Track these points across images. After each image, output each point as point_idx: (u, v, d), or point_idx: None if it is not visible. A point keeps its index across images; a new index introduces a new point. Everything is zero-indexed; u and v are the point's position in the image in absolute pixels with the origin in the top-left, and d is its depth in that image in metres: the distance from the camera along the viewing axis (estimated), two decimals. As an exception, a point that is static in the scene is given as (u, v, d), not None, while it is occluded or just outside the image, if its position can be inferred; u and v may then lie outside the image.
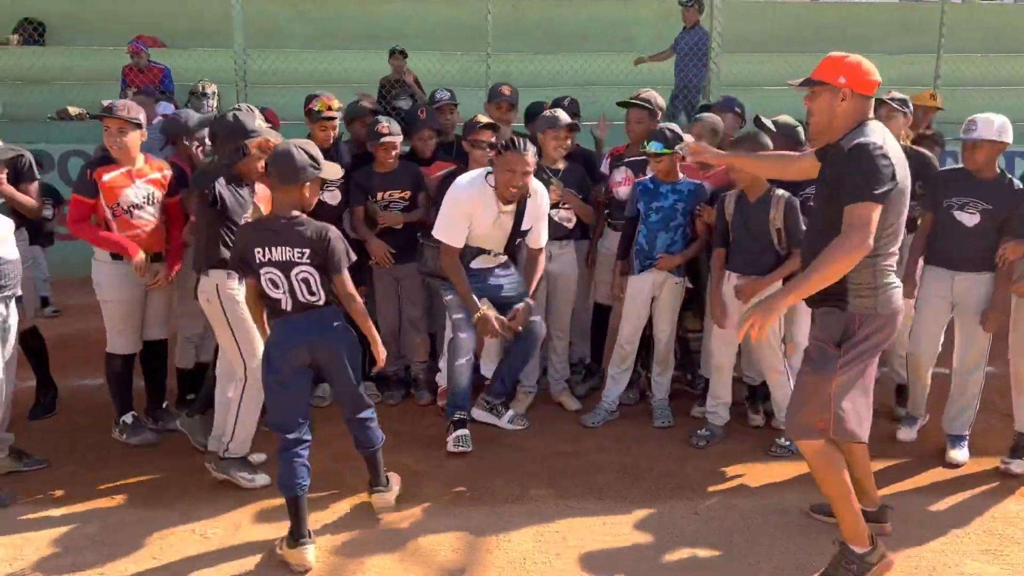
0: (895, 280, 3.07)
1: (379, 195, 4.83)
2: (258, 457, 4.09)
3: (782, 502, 3.88)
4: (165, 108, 8.17)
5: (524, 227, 4.41)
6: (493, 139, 4.73)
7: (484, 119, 4.87)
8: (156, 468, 4.16)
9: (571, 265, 4.94)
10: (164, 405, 4.64)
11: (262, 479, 3.94)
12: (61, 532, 3.55)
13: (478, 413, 4.62)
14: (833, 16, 12.12)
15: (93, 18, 10.95)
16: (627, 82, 9.35)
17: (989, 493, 4.00)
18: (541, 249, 4.53)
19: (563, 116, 4.77)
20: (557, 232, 4.72)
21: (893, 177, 2.90)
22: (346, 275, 3.42)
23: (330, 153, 4.76)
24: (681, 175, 4.60)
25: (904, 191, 2.99)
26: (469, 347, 4.38)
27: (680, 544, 3.54)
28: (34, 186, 4.58)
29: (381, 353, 3.58)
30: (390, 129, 4.80)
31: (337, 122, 4.88)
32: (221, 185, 3.76)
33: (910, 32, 10.86)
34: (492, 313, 4.24)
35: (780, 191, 4.17)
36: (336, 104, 4.85)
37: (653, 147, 4.49)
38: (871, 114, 3.03)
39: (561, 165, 4.85)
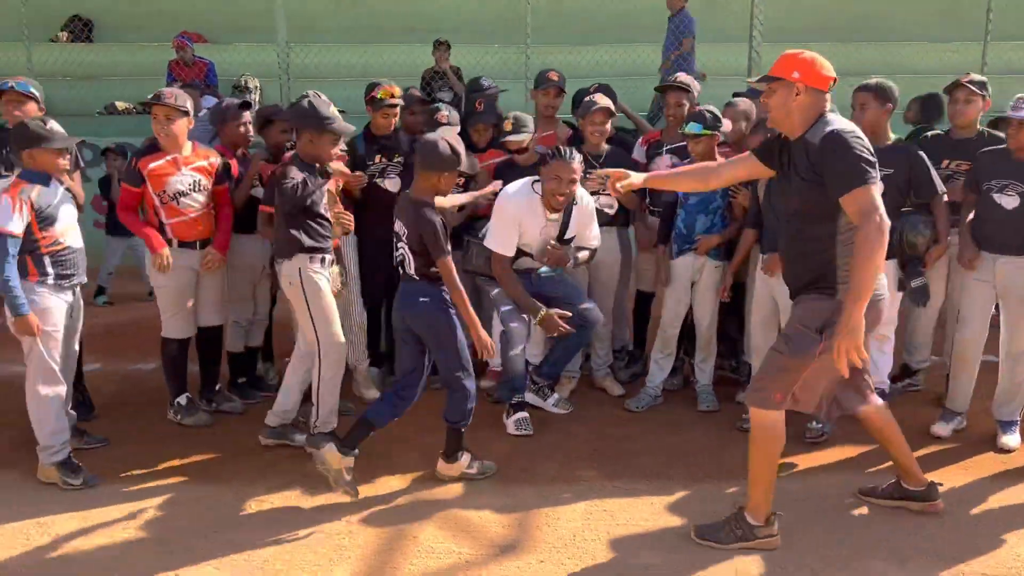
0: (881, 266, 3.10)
1: None
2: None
3: (824, 485, 3.88)
4: (209, 102, 8.33)
5: (568, 235, 4.48)
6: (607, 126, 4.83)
7: (601, 101, 4.79)
8: (211, 448, 4.26)
9: (613, 251, 4.96)
10: (218, 388, 4.74)
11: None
12: (125, 508, 3.65)
13: (526, 395, 4.67)
14: (877, 4, 11.95)
15: (139, 15, 11.19)
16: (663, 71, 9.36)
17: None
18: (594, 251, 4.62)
19: (601, 100, 4.78)
20: (599, 219, 4.73)
21: (873, 158, 2.98)
22: (446, 262, 3.64)
23: (391, 140, 4.89)
24: (719, 157, 4.60)
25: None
26: (521, 336, 4.44)
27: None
28: (77, 174, 4.67)
29: (484, 340, 3.73)
30: (449, 118, 4.85)
31: (398, 109, 4.91)
32: (300, 175, 3.90)
33: (956, 19, 10.68)
34: (555, 312, 4.28)
35: None
36: (398, 92, 4.87)
37: (692, 128, 4.50)
38: (827, 107, 3.10)
39: (604, 148, 4.87)
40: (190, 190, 4.29)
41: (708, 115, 4.51)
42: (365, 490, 3.80)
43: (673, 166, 4.73)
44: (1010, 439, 4.26)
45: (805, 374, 3.17)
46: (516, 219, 4.34)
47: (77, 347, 4.13)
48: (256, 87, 10.00)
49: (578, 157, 4.29)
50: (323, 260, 4.05)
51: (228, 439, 4.36)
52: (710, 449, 4.28)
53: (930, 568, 3.20)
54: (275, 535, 3.44)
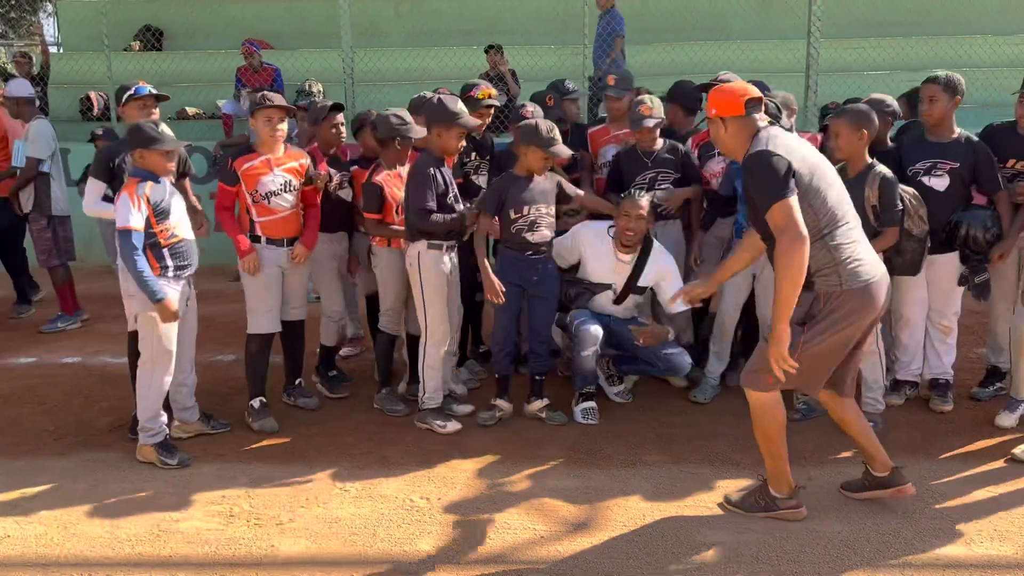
0: (859, 254, 3.24)
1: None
2: (463, 408, 4.67)
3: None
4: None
5: (642, 282, 4.71)
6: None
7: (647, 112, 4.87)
8: (294, 434, 4.49)
9: (675, 244, 4.97)
10: (298, 382, 4.91)
11: (453, 426, 4.47)
12: (217, 486, 3.89)
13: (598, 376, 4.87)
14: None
15: (207, 24, 11.59)
16: (722, 69, 9.40)
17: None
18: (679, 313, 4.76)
19: (650, 105, 4.84)
20: (656, 214, 4.85)
21: (789, 169, 3.10)
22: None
23: (484, 139, 5.15)
24: None
25: (812, 172, 3.16)
26: (593, 339, 4.57)
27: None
28: (187, 181, 4.88)
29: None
30: (534, 113, 4.82)
31: (493, 109, 5.09)
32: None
33: (1018, 12, 10.53)
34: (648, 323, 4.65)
35: (879, 168, 4.11)
36: (494, 92, 5.02)
37: None
38: (758, 125, 3.25)
39: (658, 145, 4.94)
40: (281, 190, 4.48)
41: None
42: (441, 471, 3.99)
43: (727, 167, 4.78)
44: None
45: (803, 362, 3.26)
46: (579, 240, 4.76)
47: (194, 335, 4.36)
48: (319, 91, 10.27)
49: (647, 196, 4.59)
50: (443, 247, 4.38)
51: (311, 427, 4.59)
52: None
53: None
54: (360, 511, 3.64)
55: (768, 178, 3.11)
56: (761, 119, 3.28)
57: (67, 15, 12.52)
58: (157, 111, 4.53)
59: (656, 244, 4.72)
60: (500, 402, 4.67)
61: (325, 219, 4.76)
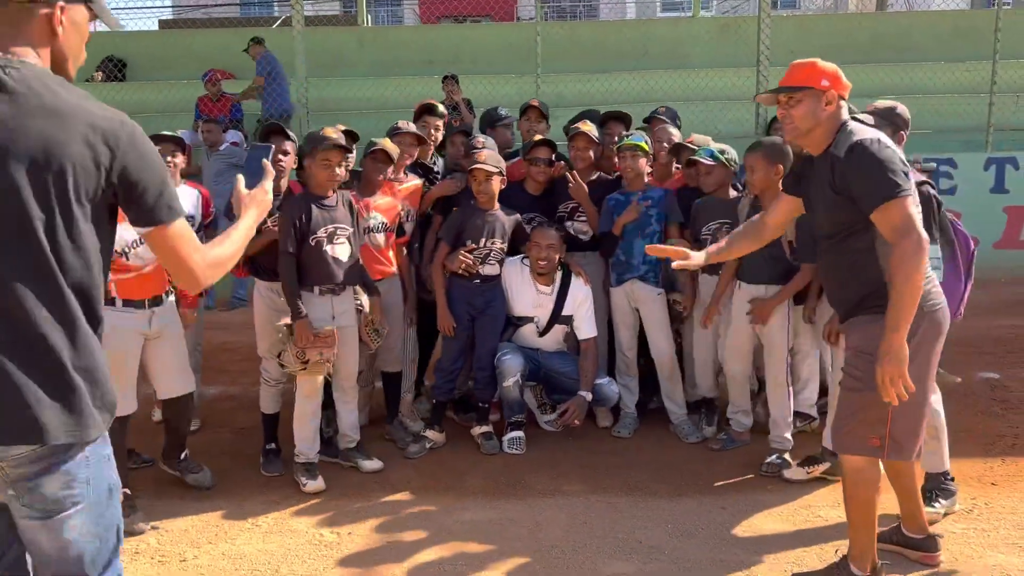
0: (932, 274, 2.98)
1: None
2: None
3: (808, 499, 3.96)
4: (233, 136, 8.69)
5: (566, 311, 4.72)
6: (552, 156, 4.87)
7: (583, 127, 4.86)
8: (211, 467, 4.43)
9: (593, 278, 4.86)
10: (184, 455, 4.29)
11: (314, 485, 4.13)
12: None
13: (528, 397, 4.89)
14: (889, 27, 12.06)
15: (170, 55, 11.65)
16: (682, 98, 9.53)
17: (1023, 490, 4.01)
18: (589, 340, 4.73)
19: (583, 126, 4.83)
20: (575, 245, 4.88)
21: (903, 163, 2.84)
22: None
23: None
24: (647, 180, 4.71)
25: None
26: (513, 370, 4.57)
27: (704, 535, 3.66)
28: None
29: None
30: (485, 143, 4.79)
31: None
32: None
33: (967, 39, 10.71)
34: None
35: None
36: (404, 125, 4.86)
37: (634, 139, 4.59)
38: (846, 116, 2.97)
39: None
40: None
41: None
42: (357, 505, 3.98)
43: (604, 204, 4.73)
44: None
45: (900, 420, 2.90)
46: (501, 275, 4.75)
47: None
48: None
49: (555, 228, 4.67)
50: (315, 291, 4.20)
51: (233, 457, 4.58)
52: (697, 465, 4.38)
53: None
54: (267, 546, 3.63)
55: (880, 171, 2.75)
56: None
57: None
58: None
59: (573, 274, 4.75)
60: (431, 433, 4.67)
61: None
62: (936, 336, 2.95)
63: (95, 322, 1.80)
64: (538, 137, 4.98)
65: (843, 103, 2.97)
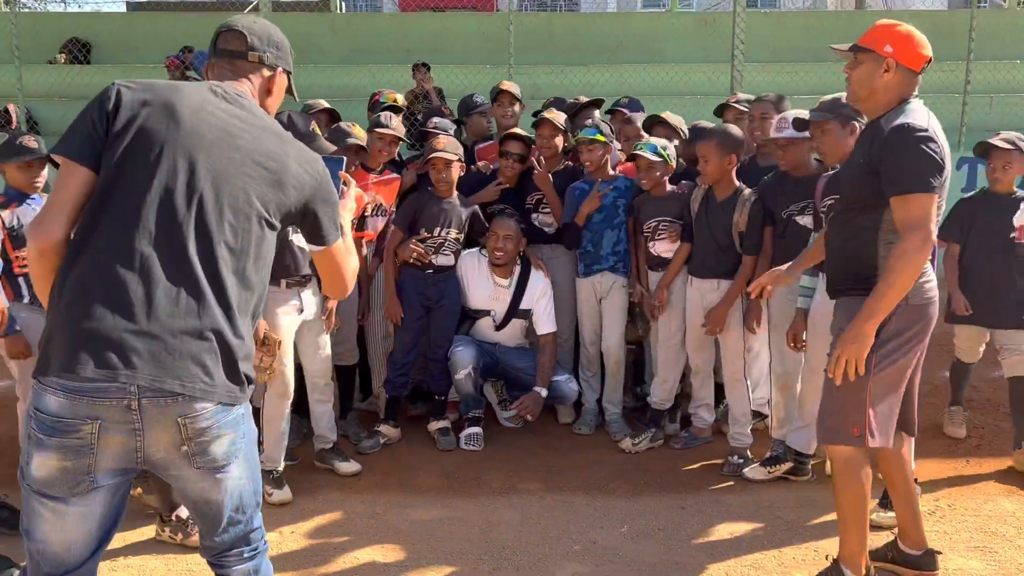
0: (928, 268, 2.83)
1: None
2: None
3: (768, 500, 3.85)
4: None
5: (524, 305, 4.59)
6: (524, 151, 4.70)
7: (548, 115, 4.72)
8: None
9: (561, 271, 4.74)
10: None
11: (281, 495, 3.84)
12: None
13: (488, 392, 4.80)
14: (866, 25, 11.96)
15: (135, 38, 11.37)
16: (657, 92, 9.43)
17: (986, 491, 3.93)
18: (547, 335, 4.60)
19: (548, 113, 4.70)
20: (540, 237, 4.75)
21: (942, 164, 2.68)
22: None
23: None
24: (611, 171, 4.57)
25: (948, 178, 2.75)
26: (465, 362, 4.44)
27: (662, 536, 3.54)
28: None
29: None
30: (438, 126, 4.73)
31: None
32: None
33: (943, 39, 10.68)
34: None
35: (748, 191, 4.06)
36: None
37: (589, 133, 4.42)
38: (916, 92, 2.81)
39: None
40: None
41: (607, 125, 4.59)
42: (304, 502, 3.83)
43: (569, 193, 4.59)
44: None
45: (880, 406, 2.82)
46: (459, 266, 4.61)
47: None
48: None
49: (515, 216, 4.52)
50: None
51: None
52: (660, 464, 4.27)
53: None
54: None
55: (918, 160, 2.64)
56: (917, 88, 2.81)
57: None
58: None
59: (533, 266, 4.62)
60: (385, 427, 4.52)
61: None
62: (925, 329, 2.86)
63: (257, 311, 2.04)
64: (516, 130, 4.82)
65: (911, 76, 2.77)
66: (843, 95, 3.66)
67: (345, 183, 2.34)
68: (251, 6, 13.83)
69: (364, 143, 4.36)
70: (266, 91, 2.16)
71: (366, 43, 11.57)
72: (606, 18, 12.83)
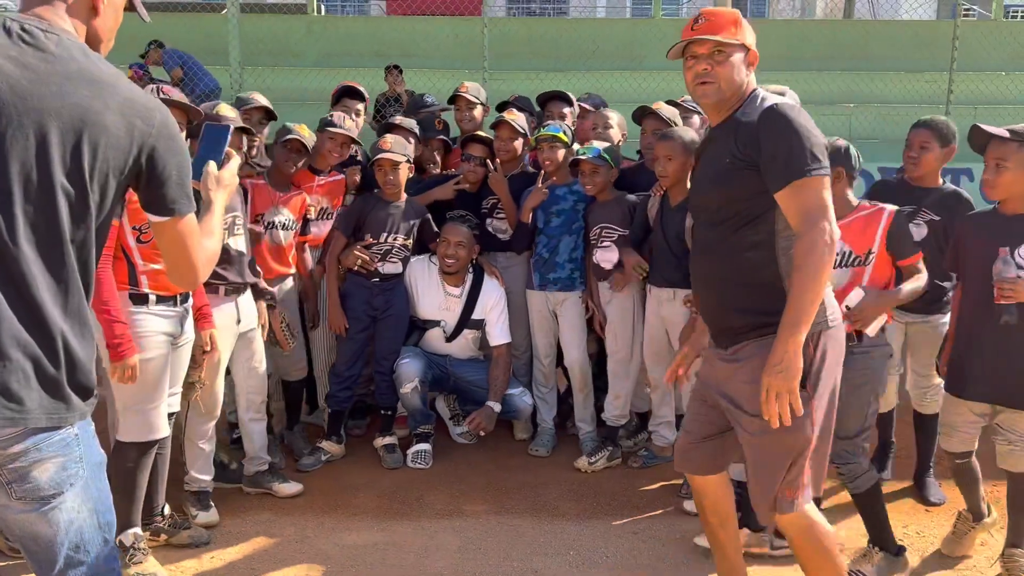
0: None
1: None
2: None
3: (728, 524, 3.62)
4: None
5: (476, 315, 4.36)
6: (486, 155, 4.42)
7: (481, 132, 4.58)
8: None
9: (516, 280, 4.50)
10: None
11: (206, 516, 3.58)
12: None
13: (440, 406, 4.59)
14: (848, 35, 11.86)
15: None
16: (637, 100, 9.21)
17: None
18: (501, 347, 4.38)
19: (508, 115, 4.45)
20: (494, 244, 4.51)
21: (822, 140, 2.35)
22: None
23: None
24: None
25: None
26: (409, 376, 4.21)
27: (610, 564, 3.32)
28: None
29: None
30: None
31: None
32: None
33: (925, 50, 10.55)
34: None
35: None
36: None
37: (551, 130, 4.20)
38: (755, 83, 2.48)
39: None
40: None
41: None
42: (231, 524, 3.58)
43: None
44: None
45: (818, 457, 2.44)
46: (408, 274, 4.38)
47: None
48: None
49: (467, 225, 4.27)
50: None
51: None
52: (615, 484, 4.04)
53: None
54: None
55: (798, 140, 2.25)
56: None
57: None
58: None
59: (486, 274, 4.40)
60: (327, 444, 4.28)
61: None
62: (841, 355, 2.47)
63: (87, 307, 1.71)
64: (479, 132, 4.60)
65: (751, 59, 2.44)
66: None
67: (227, 156, 2.01)
68: (224, 9, 13.63)
69: (307, 141, 4.11)
70: (90, 10, 1.74)
71: (343, 46, 11.36)
72: (588, 24, 12.65)
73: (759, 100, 2.38)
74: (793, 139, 2.27)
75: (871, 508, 3.12)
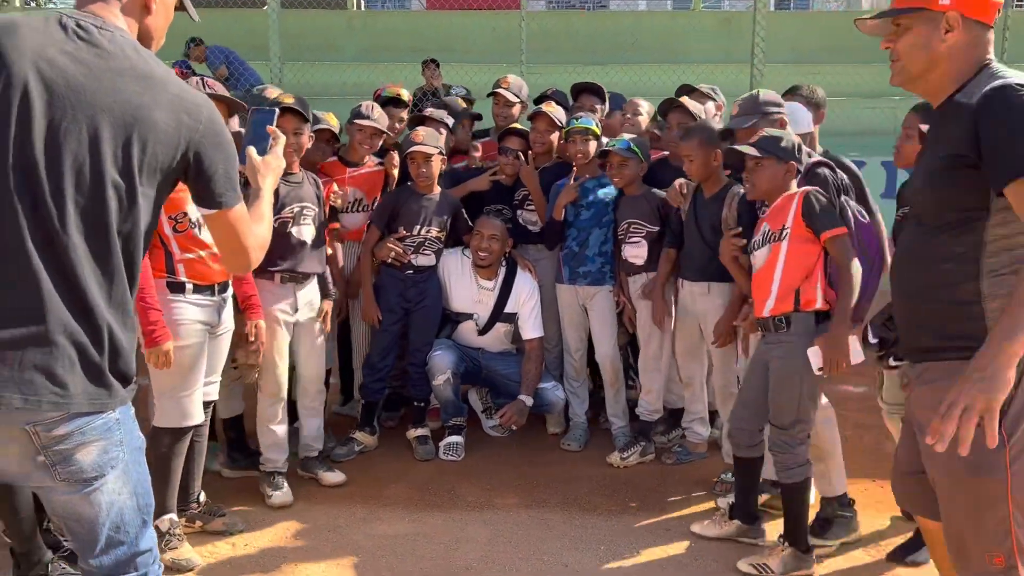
0: None
1: None
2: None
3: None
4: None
5: (509, 309, 4.35)
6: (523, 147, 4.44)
7: (517, 125, 4.56)
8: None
9: (546, 274, 4.47)
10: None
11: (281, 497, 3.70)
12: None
13: (473, 399, 4.59)
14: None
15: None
16: (674, 93, 9.12)
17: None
18: (534, 340, 4.36)
19: (546, 107, 4.44)
20: (526, 237, 4.50)
21: None
22: None
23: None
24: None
25: None
26: (442, 368, 4.22)
27: (640, 560, 3.29)
28: None
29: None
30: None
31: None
32: None
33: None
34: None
35: (737, 187, 3.66)
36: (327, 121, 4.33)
37: (583, 123, 4.15)
38: (991, 52, 2.02)
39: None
40: None
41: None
42: (263, 513, 3.62)
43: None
44: None
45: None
46: (441, 267, 4.38)
47: None
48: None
49: (501, 219, 4.29)
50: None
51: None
52: (647, 480, 4.01)
53: None
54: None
55: None
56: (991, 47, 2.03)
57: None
58: None
59: (519, 268, 4.38)
60: (360, 435, 4.30)
61: None
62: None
63: (131, 298, 1.75)
64: (516, 125, 4.59)
65: (983, 31, 1.99)
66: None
67: (274, 138, 2.03)
68: (265, 5, 13.78)
69: (336, 130, 4.13)
70: (143, 8, 1.78)
71: (382, 41, 11.43)
72: (626, 17, 12.54)
73: (987, 77, 1.94)
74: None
75: (795, 502, 3.12)
